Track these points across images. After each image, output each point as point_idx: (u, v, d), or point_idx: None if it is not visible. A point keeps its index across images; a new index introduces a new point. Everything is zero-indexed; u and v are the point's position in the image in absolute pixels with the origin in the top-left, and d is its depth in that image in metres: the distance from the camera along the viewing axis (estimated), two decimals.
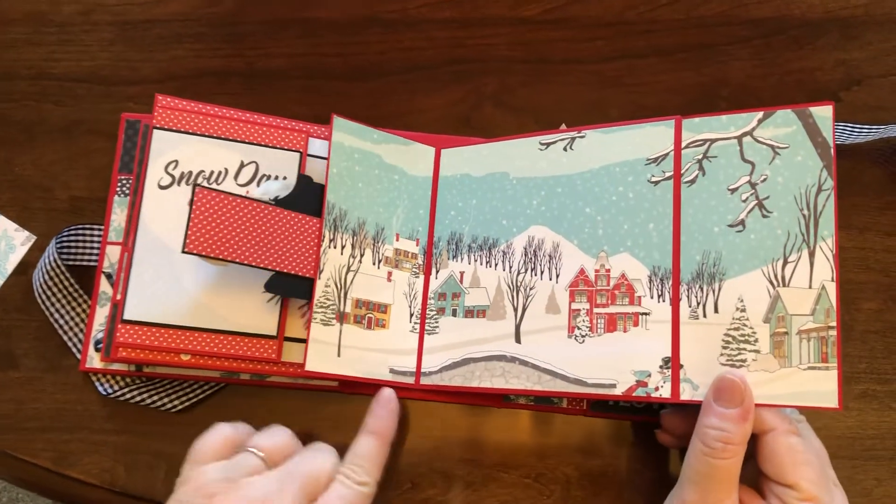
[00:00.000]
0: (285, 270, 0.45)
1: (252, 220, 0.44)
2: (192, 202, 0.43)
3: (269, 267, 0.44)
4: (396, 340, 0.48)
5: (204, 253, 0.43)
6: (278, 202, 0.46)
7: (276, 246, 0.44)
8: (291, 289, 0.46)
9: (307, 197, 0.47)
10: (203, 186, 0.43)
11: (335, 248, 0.46)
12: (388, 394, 0.45)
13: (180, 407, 0.48)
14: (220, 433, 0.41)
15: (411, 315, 0.49)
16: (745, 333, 0.41)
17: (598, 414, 0.49)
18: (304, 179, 0.48)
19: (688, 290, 0.42)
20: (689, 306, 0.42)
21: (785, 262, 0.40)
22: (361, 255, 0.48)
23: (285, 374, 0.47)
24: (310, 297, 0.45)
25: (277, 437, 0.42)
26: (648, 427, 0.48)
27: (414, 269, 0.50)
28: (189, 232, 0.42)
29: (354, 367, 0.46)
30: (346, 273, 0.47)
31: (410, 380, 0.48)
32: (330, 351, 0.45)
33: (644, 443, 0.48)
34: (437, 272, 0.50)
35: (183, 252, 0.42)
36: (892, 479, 0.48)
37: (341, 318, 0.46)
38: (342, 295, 0.46)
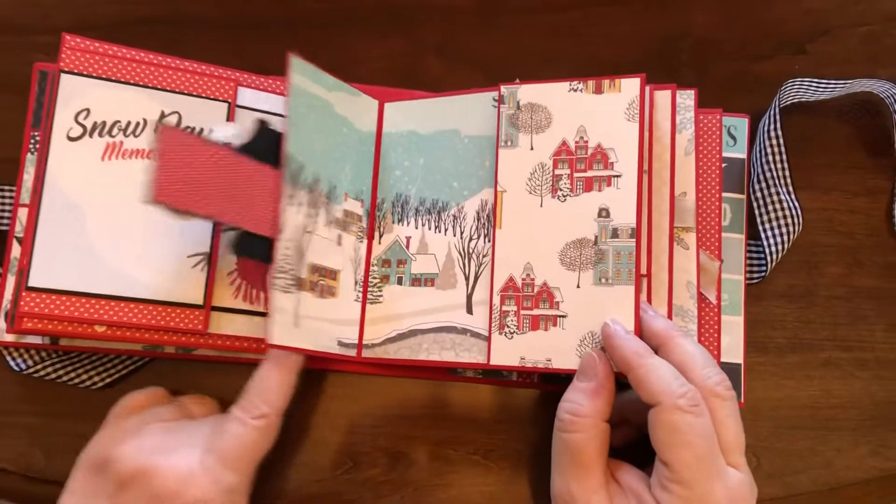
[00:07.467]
0: (248, 228, 0.41)
1: (216, 169, 0.39)
2: (156, 144, 0.38)
3: (240, 224, 0.40)
4: (344, 310, 0.45)
5: (174, 204, 0.37)
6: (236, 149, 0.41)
7: (238, 200, 0.40)
8: (257, 250, 0.41)
9: (263, 145, 0.42)
10: (167, 126, 0.39)
11: (294, 205, 0.42)
12: None
13: (101, 384, 0.46)
14: (142, 392, 0.43)
15: (356, 283, 0.46)
16: None
17: (549, 386, 0.46)
18: (261, 125, 0.42)
19: None
20: None
21: None
22: (317, 215, 0.43)
23: (213, 347, 0.44)
24: (271, 260, 0.41)
25: (206, 403, 0.44)
26: None
27: (359, 233, 0.47)
28: (157, 178, 0.37)
29: (309, 340, 0.42)
30: (303, 233, 0.42)
31: (353, 352, 0.45)
32: (289, 322, 0.41)
33: None
34: (381, 237, 0.47)
35: (149, 202, 0.37)
36: (853, 449, 0.47)
37: (298, 284, 0.42)
38: (300, 258, 0.42)
